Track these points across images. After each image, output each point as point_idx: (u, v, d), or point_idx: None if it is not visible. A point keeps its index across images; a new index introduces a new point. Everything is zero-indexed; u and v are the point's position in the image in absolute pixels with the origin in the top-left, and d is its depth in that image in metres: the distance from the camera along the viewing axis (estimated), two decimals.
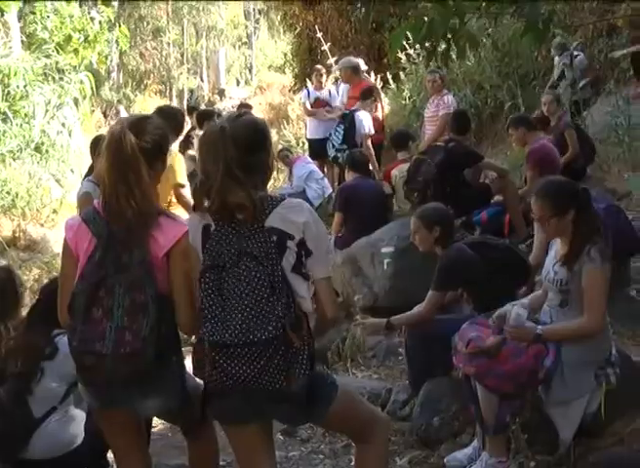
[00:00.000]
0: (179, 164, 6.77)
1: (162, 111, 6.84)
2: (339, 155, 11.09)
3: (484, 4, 4.38)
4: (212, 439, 4.05)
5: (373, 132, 10.96)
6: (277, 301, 3.19)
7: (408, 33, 4.42)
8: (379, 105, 11.85)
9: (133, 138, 3.46)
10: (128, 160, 3.44)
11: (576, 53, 12.45)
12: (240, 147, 3.32)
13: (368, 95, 11.21)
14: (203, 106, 18.48)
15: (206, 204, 3.36)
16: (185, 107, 28.87)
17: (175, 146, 7.50)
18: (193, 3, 39.41)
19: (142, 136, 3.54)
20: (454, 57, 5.13)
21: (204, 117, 11.93)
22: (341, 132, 11.03)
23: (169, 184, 6.39)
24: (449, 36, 4.38)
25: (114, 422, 3.77)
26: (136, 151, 3.45)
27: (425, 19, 4.25)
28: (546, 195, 4.52)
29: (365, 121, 10.87)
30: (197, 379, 3.57)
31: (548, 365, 4.39)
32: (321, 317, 3.50)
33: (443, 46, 4.61)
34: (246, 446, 3.56)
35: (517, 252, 5.74)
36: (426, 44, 4.60)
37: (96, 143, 6.69)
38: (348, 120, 11.04)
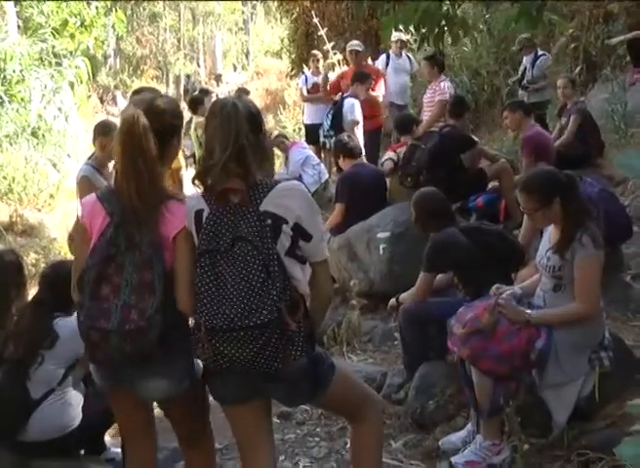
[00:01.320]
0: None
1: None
2: (326, 141, 11.12)
3: None
4: (210, 451, 4.07)
5: (359, 119, 10.91)
6: (272, 285, 3.19)
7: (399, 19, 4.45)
8: (380, 87, 11.81)
9: (145, 122, 3.45)
10: (139, 144, 3.43)
11: (540, 52, 12.45)
12: (250, 124, 3.38)
13: (364, 78, 11.13)
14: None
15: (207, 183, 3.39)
16: (182, 92, 28.90)
17: None
18: None
19: (155, 117, 3.52)
20: (449, 42, 5.13)
21: (196, 102, 11.97)
22: (331, 117, 11.05)
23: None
24: (442, 22, 4.41)
25: (124, 402, 3.79)
26: (148, 135, 3.45)
27: (419, 4, 4.28)
28: (530, 189, 4.58)
29: (353, 108, 10.84)
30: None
31: (540, 346, 4.42)
32: (318, 299, 3.56)
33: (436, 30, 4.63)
34: (245, 426, 3.61)
35: (510, 238, 5.74)
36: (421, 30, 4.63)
37: (99, 128, 6.72)
38: (337, 106, 11.06)
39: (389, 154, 9.24)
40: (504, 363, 4.42)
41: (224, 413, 3.67)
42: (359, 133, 10.72)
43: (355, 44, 11.91)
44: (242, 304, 3.17)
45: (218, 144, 3.33)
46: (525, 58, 12.32)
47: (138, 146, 3.44)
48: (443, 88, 10.91)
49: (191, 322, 3.52)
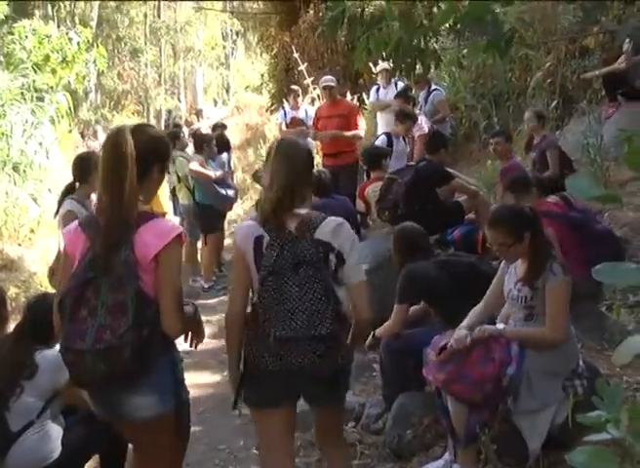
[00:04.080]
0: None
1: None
2: None
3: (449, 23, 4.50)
4: None
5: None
6: (329, 303, 3.74)
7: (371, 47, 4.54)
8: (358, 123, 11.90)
9: (130, 138, 3.58)
10: (123, 159, 3.56)
11: (434, 87, 12.67)
12: (306, 163, 4.05)
13: (403, 118, 10.80)
14: (184, 127, 18.50)
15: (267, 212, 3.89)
16: (163, 127, 28.93)
17: None
18: (171, 24, 39.59)
19: (140, 138, 3.66)
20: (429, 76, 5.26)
21: (174, 137, 12.04)
22: None
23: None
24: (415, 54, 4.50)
25: (119, 428, 4.00)
26: (131, 150, 3.56)
27: (391, 35, 4.37)
28: (502, 224, 4.64)
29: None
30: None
31: (511, 372, 4.49)
32: (358, 318, 3.99)
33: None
34: (274, 428, 4.06)
35: (482, 268, 5.78)
36: (391, 60, 4.75)
37: (78, 162, 6.75)
38: None
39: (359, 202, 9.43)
40: (477, 389, 4.47)
41: (255, 419, 4.17)
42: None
43: (328, 80, 11.98)
44: (308, 318, 3.69)
45: (279, 179, 3.88)
46: (420, 94, 12.60)
47: (120, 159, 3.56)
48: (420, 123, 11.04)
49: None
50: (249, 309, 3.98)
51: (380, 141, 10.42)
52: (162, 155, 3.88)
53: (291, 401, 4.09)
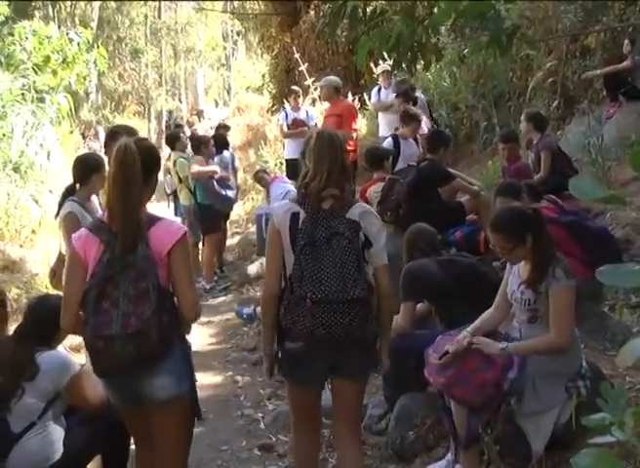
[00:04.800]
0: None
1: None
2: None
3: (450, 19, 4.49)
4: None
5: None
6: (360, 270, 4.15)
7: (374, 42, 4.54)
8: (353, 125, 11.91)
9: (136, 150, 3.99)
10: (132, 175, 3.97)
11: (417, 94, 12.71)
12: (340, 149, 4.48)
13: (407, 120, 10.63)
14: (186, 127, 18.49)
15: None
16: (164, 128, 28.93)
17: None
18: (171, 25, 39.62)
19: (144, 150, 4.11)
20: (421, 68, 5.27)
21: (174, 138, 12.08)
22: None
23: None
24: (416, 49, 4.50)
25: (136, 418, 4.31)
26: (138, 162, 3.97)
27: (392, 31, 4.36)
28: (502, 228, 4.63)
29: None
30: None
31: (512, 377, 4.49)
32: (383, 297, 4.38)
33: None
34: (307, 403, 4.55)
35: (483, 269, 5.76)
36: (393, 55, 4.76)
37: (79, 164, 6.73)
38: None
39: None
40: (478, 392, 4.47)
41: (289, 392, 4.65)
42: None
43: (325, 79, 12.02)
44: (342, 283, 4.08)
45: (320, 163, 4.33)
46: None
47: (129, 171, 3.96)
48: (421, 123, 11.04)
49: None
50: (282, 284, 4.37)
51: (387, 144, 10.37)
52: (158, 164, 4.37)
53: (324, 377, 4.50)
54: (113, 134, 6.81)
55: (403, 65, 5.03)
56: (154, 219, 4.12)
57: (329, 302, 4.07)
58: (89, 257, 4.03)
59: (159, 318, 3.88)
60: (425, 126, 11.11)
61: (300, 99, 13.31)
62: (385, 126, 12.68)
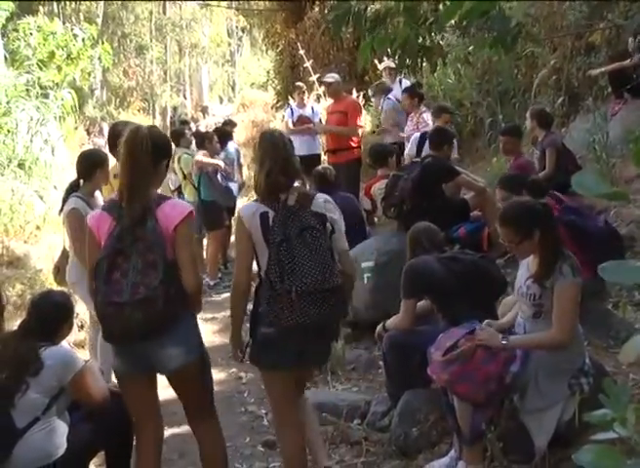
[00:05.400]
0: None
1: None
2: None
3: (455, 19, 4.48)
4: (218, 426, 4.76)
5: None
6: (333, 260, 4.44)
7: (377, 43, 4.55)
8: (361, 119, 11.90)
9: (147, 133, 4.33)
10: (142, 154, 4.27)
11: (390, 96, 12.76)
12: (287, 146, 4.67)
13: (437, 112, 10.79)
14: (192, 123, 18.50)
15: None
16: (169, 124, 28.93)
17: None
18: (176, 21, 39.58)
19: (155, 135, 4.43)
20: (429, 70, 5.27)
21: (178, 135, 12.10)
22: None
23: None
24: (421, 52, 4.50)
25: (137, 388, 4.54)
26: (147, 142, 4.28)
27: (396, 33, 4.36)
28: (510, 221, 4.66)
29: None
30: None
31: (515, 370, 4.50)
32: (347, 275, 4.62)
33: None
34: (287, 391, 4.68)
35: (487, 266, 5.74)
36: (397, 57, 4.77)
37: (82, 160, 6.74)
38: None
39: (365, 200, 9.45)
40: (481, 388, 4.47)
41: (268, 382, 4.77)
42: None
43: (329, 76, 12.02)
44: (320, 273, 4.29)
45: (268, 162, 4.56)
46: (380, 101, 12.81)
47: (137, 148, 4.27)
48: (426, 119, 11.04)
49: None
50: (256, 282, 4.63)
51: (414, 139, 10.33)
52: (168, 153, 4.68)
53: (293, 363, 4.58)
54: (115, 130, 6.87)
55: (408, 63, 5.03)
56: (163, 198, 4.45)
57: (312, 293, 4.29)
58: (101, 234, 4.34)
59: (166, 288, 4.14)
60: (431, 122, 11.05)
61: (305, 96, 13.30)
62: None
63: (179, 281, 4.27)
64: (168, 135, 6.92)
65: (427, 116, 11.14)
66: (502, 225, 4.69)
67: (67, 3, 32.81)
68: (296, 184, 4.71)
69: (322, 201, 4.61)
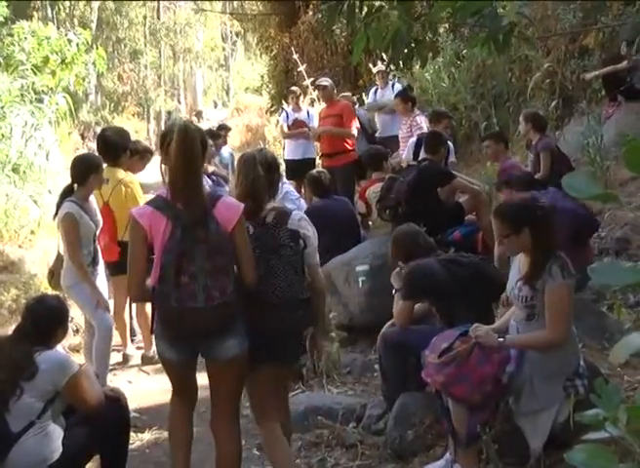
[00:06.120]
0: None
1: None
2: None
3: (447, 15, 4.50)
4: (239, 441, 4.76)
5: None
6: (304, 275, 4.78)
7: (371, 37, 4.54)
8: (355, 122, 11.89)
9: (195, 128, 4.45)
10: (196, 150, 4.34)
11: (363, 108, 12.89)
12: (261, 172, 4.76)
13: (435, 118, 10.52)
14: None
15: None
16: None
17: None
18: (170, 25, 39.61)
19: (200, 132, 4.52)
20: (418, 65, 5.26)
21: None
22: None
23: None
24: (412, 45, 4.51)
25: (182, 368, 4.64)
26: (198, 140, 4.35)
27: (389, 27, 4.37)
28: (501, 215, 4.78)
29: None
30: None
31: (510, 370, 4.51)
32: (316, 291, 4.91)
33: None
34: (263, 386, 4.77)
35: (487, 269, 5.76)
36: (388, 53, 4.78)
37: (77, 164, 6.75)
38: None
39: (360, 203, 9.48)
40: (477, 389, 4.48)
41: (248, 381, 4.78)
42: None
43: (323, 80, 12.05)
44: (292, 286, 4.60)
45: (246, 187, 4.73)
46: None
47: (191, 147, 4.32)
48: (420, 123, 11.04)
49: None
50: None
51: (411, 144, 10.28)
52: (206, 149, 4.63)
53: (270, 364, 4.70)
54: (105, 136, 6.92)
55: (400, 62, 5.03)
56: (215, 197, 4.50)
57: (288, 301, 4.59)
58: (155, 234, 4.31)
59: (237, 291, 4.32)
60: (425, 124, 11.05)
61: (301, 100, 13.31)
62: (381, 126, 12.69)
63: (237, 278, 4.42)
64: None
65: (421, 119, 11.14)
66: (494, 217, 4.85)
67: (61, 7, 32.82)
68: (274, 204, 4.91)
69: (297, 218, 4.87)
